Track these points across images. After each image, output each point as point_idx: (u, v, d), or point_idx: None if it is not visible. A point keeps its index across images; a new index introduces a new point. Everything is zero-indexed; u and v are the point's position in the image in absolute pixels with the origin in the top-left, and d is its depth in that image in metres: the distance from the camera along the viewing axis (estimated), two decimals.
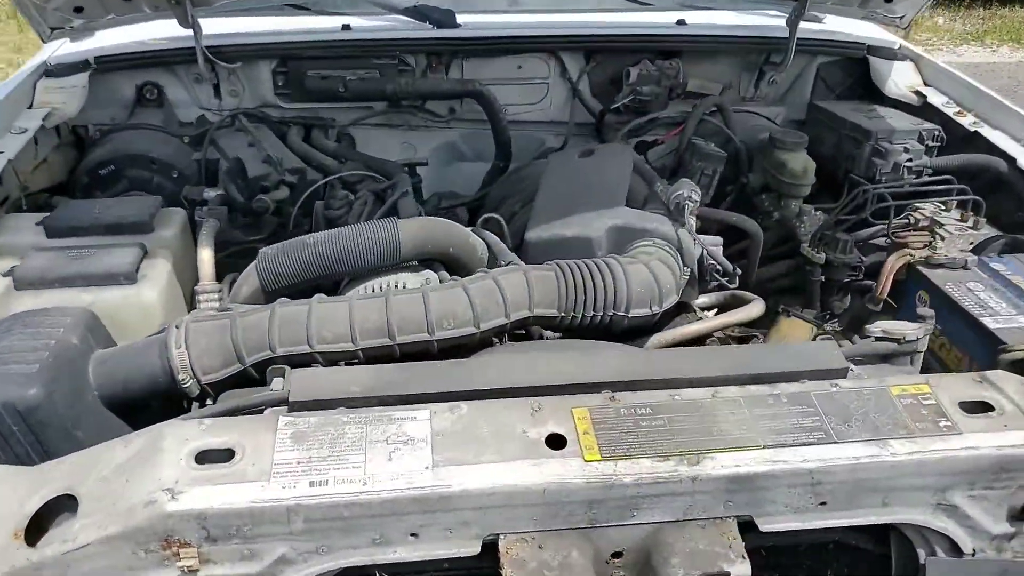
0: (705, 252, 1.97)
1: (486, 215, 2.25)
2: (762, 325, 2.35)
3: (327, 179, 2.47)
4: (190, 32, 2.46)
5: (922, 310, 1.67)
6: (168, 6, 2.39)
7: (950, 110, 2.70)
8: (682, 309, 2.09)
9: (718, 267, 1.98)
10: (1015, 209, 2.40)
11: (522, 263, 1.88)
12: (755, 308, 2.02)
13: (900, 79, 2.89)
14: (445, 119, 2.95)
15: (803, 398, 1.33)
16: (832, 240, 2.45)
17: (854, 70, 3.04)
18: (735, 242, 2.34)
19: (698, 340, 1.99)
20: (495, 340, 1.70)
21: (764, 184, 2.70)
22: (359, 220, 2.32)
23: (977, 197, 2.14)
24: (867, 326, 1.59)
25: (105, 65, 2.64)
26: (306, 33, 2.71)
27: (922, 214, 2.22)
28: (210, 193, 2.34)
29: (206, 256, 1.98)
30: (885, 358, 1.61)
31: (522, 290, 1.69)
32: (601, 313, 1.74)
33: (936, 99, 2.75)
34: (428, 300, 1.60)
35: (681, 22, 2.93)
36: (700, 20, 2.95)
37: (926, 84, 2.88)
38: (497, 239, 2.00)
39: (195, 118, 2.87)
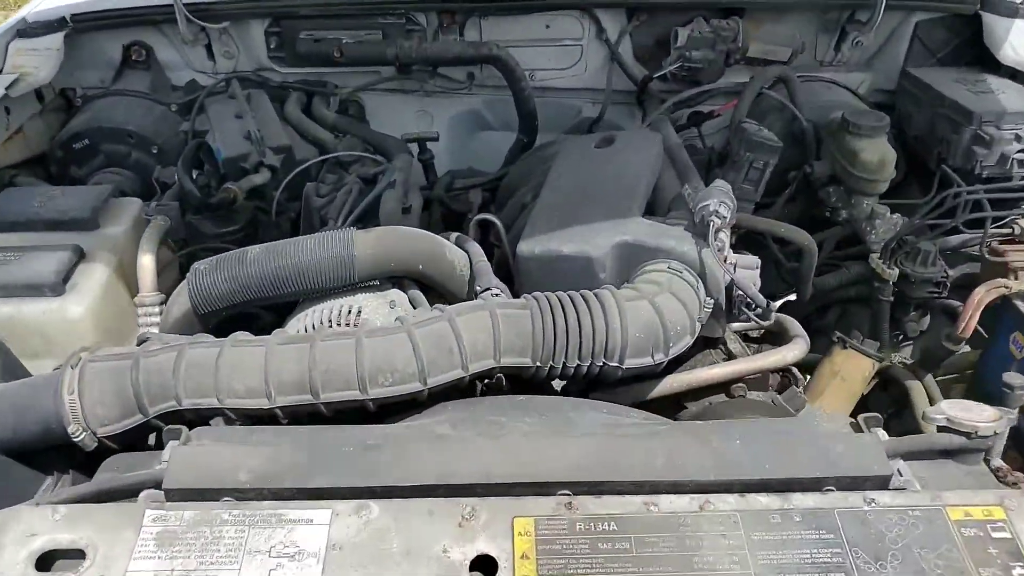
0: (734, 281, 1.57)
1: (478, 217, 1.92)
2: (814, 351, 1.95)
3: (309, 162, 2.17)
4: None
5: (1011, 377, 1.25)
6: None
7: None
8: (705, 344, 1.72)
9: (748, 300, 1.59)
10: None
11: (504, 290, 1.54)
12: (794, 351, 1.63)
13: (1018, 42, 2.32)
14: (464, 85, 2.58)
15: (823, 518, 0.98)
16: (911, 249, 2.00)
17: (962, 29, 2.47)
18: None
19: (718, 388, 1.63)
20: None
21: (832, 174, 2.23)
22: (340, 212, 2.02)
23: None
24: (928, 411, 1.19)
25: (84, 24, 2.39)
26: None
27: None
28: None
29: (146, 263, 1.72)
30: (948, 454, 1.21)
31: (485, 335, 1.36)
32: (588, 363, 1.40)
33: None
34: (361, 349, 1.30)
35: None
36: None
37: None
38: (480, 253, 1.66)
39: (189, 80, 2.60)
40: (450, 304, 1.68)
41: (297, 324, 1.56)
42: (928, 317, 2.14)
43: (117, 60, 2.54)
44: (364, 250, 1.54)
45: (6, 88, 2.19)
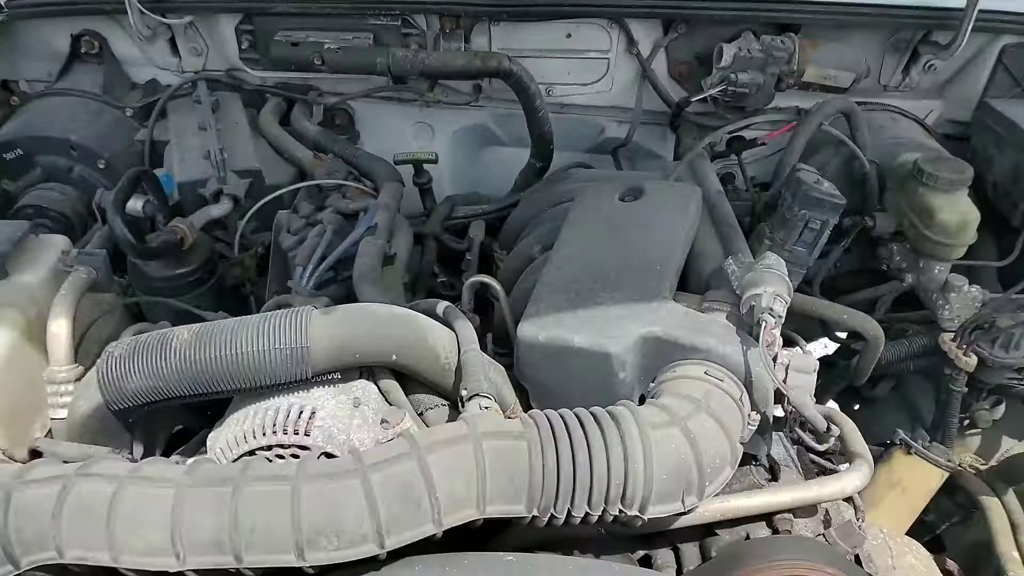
0: (787, 397, 1.23)
1: (473, 280, 1.57)
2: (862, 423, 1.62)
3: (278, 192, 1.83)
4: None
5: None
6: None
7: None
8: (744, 461, 1.39)
9: (803, 420, 1.25)
10: None
11: (491, 402, 1.20)
12: (855, 479, 1.30)
13: None
14: (469, 98, 2.22)
15: None
16: (989, 327, 1.66)
17: None
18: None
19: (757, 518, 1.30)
20: None
21: (898, 230, 1.88)
22: (309, 259, 1.69)
23: None
24: None
25: (20, 9, 2.04)
26: None
27: None
28: (136, 204, 1.75)
29: (58, 330, 1.39)
30: None
31: (466, 479, 1.03)
32: (600, 511, 1.07)
33: None
34: (298, 501, 0.97)
35: None
36: None
37: None
38: (471, 338, 1.33)
39: (149, 80, 2.26)
40: (435, 393, 1.39)
41: (231, 430, 1.24)
42: (1003, 405, 1.81)
43: (65, 51, 2.19)
44: (321, 340, 1.21)
45: None
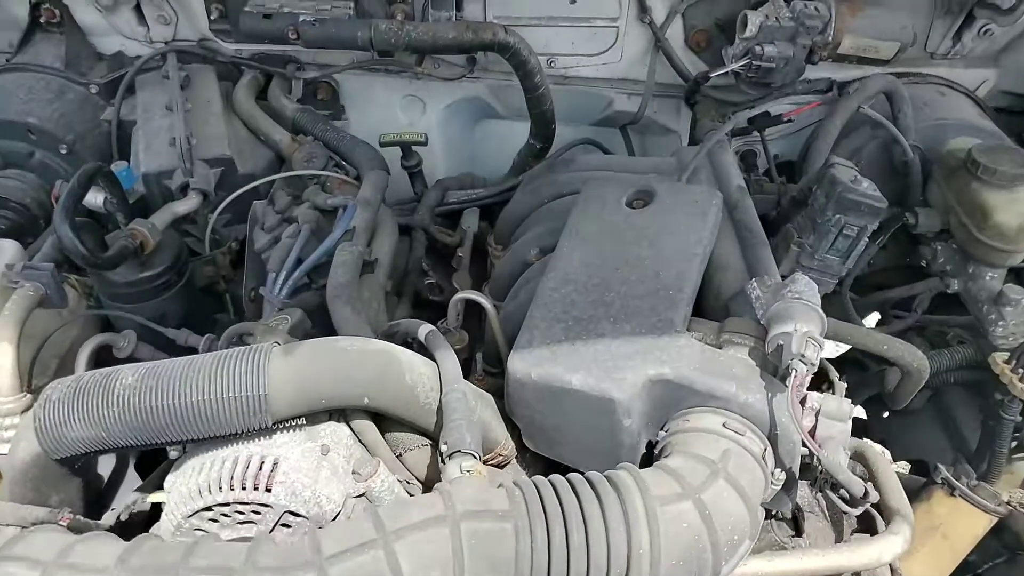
0: (817, 458, 1.07)
1: (460, 296, 1.40)
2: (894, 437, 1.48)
3: (249, 186, 1.65)
4: None
5: None
6: None
7: None
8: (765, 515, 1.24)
9: (836, 482, 1.09)
10: None
11: (474, 463, 1.05)
12: (894, 545, 1.14)
13: None
14: (463, 71, 2.00)
15: None
16: None
17: None
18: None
19: None
20: None
21: (944, 228, 1.68)
22: (282, 264, 1.52)
23: None
24: None
25: None
26: None
27: None
28: (95, 199, 1.58)
29: (1, 359, 1.24)
30: None
31: (441, 570, 0.88)
32: None
33: None
34: None
35: None
36: None
37: None
38: (455, 376, 1.16)
39: (117, 50, 2.06)
40: (415, 431, 1.24)
41: (189, 479, 1.09)
42: None
43: (23, 20, 1.99)
44: (282, 386, 1.05)
45: None
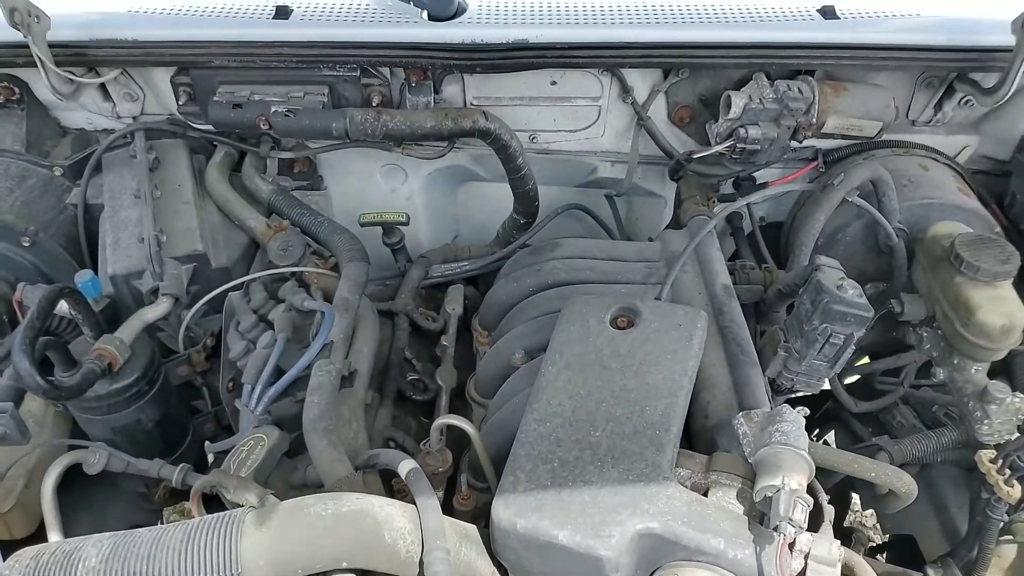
0: None
1: (440, 422, 1.36)
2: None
3: (218, 290, 1.61)
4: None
5: None
6: None
7: None
8: None
9: None
10: None
11: None
12: None
13: None
14: (442, 150, 1.94)
15: None
16: None
17: None
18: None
19: None
20: None
21: (930, 316, 1.66)
22: (257, 376, 1.48)
23: None
24: None
25: None
26: (215, 22, 1.71)
27: None
28: (61, 307, 1.52)
29: None
30: None
31: None
32: None
33: None
34: None
35: (828, 12, 1.76)
36: (861, 3, 1.78)
37: None
38: (435, 524, 1.13)
39: (83, 125, 1.99)
40: None
41: None
42: None
43: None
44: (255, 562, 1.02)
45: None
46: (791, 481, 1.07)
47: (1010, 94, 1.66)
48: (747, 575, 1.07)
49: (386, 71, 1.76)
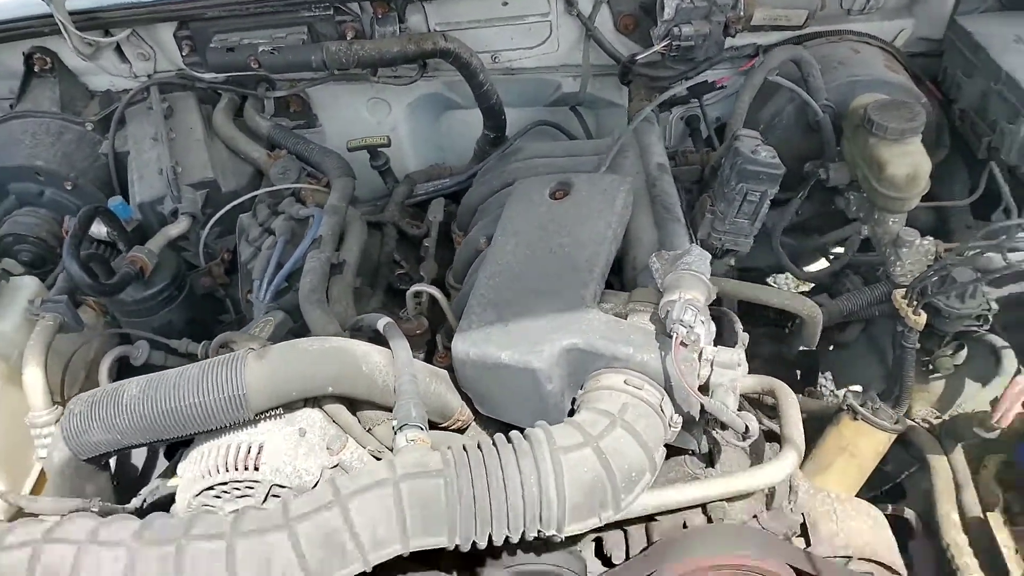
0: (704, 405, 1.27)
1: (414, 289, 1.62)
2: (820, 425, 1.66)
3: (229, 205, 1.87)
4: None
5: None
6: None
7: None
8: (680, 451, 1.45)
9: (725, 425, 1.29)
10: None
11: (418, 432, 1.27)
12: (783, 467, 1.35)
13: None
14: (414, 76, 2.18)
15: None
16: (945, 278, 1.64)
17: None
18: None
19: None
20: None
21: (853, 179, 1.84)
22: (264, 272, 1.75)
23: None
24: None
25: None
26: None
27: None
28: (100, 229, 1.82)
29: (31, 379, 1.50)
30: None
31: (387, 520, 1.12)
32: (520, 533, 1.16)
33: None
34: (234, 558, 1.07)
35: None
36: None
37: None
38: (406, 360, 1.38)
39: (107, 87, 2.28)
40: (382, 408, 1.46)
41: (195, 465, 1.34)
42: (964, 350, 1.81)
43: (19, 70, 2.21)
44: (257, 385, 1.28)
45: None
46: (686, 294, 1.28)
47: None
48: (654, 375, 1.29)
49: (355, 7, 1.99)
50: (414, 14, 2.03)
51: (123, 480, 1.54)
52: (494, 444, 1.20)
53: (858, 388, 1.80)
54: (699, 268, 1.33)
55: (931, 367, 1.83)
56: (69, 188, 2.07)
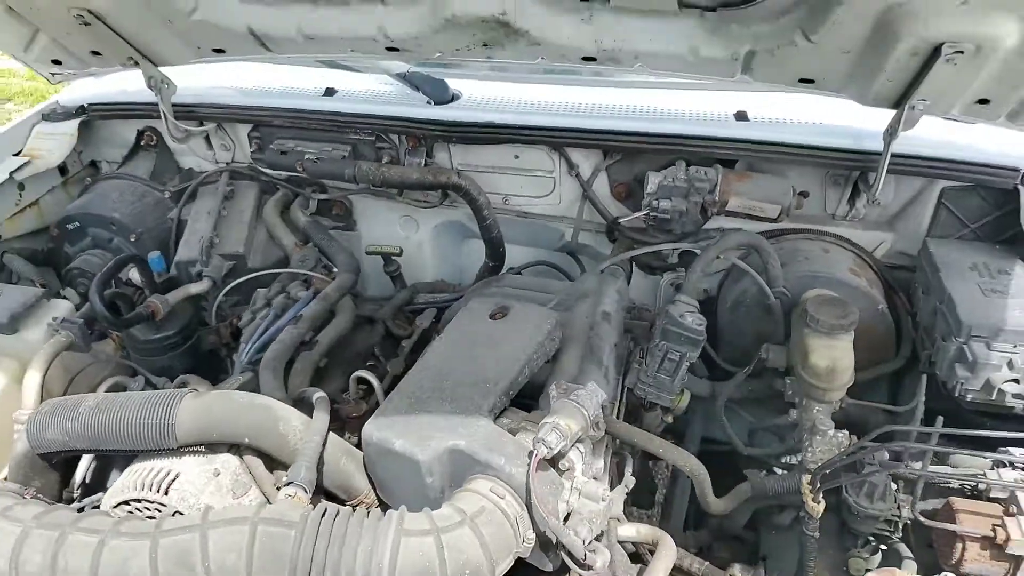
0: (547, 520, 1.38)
1: (355, 374, 1.83)
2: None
3: (242, 279, 2.18)
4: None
5: None
6: (128, 66, 2.21)
7: None
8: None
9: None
10: None
11: (297, 490, 1.45)
12: None
13: None
14: (435, 203, 2.50)
15: None
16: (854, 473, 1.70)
17: (1004, 200, 2.08)
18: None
19: None
20: None
21: (790, 365, 1.95)
22: (250, 336, 2.02)
23: None
24: None
25: (97, 113, 2.56)
26: (280, 96, 2.40)
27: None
28: (135, 276, 2.17)
29: (28, 381, 1.79)
30: None
31: (236, 555, 1.28)
32: None
33: None
34: (101, 552, 1.26)
35: (741, 115, 2.18)
36: (773, 112, 2.18)
37: None
38: (319, 429, 1.58)
39: (192, 166, 2.72)
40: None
41: (122, 479, 1.56)
42: (879, 556, 1.81)
43: (131, 141, 2.69)
44: (185, 418, 1.51)
45: (11, 172, 2.39)
46: (560, 421, 1.42)
47: (878, 190, 1.97)
48: (517, 487, 1.42)
49: (394, 138, 2.35)
50: (441, 151, 2.37)
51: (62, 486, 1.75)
52: (355, 514, 1.35)
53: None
54: (583, 402, 1.48)
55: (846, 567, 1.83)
56: (133, 240, 2.46)
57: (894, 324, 2.09)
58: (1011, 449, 1.65)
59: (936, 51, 1.60)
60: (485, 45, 1.88)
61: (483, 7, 1.75)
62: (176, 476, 1.53)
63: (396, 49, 1.93)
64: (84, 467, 1.72)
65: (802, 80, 1.86)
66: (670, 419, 2.00)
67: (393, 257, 2.42)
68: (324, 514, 1.34)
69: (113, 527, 1.31)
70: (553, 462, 1.47)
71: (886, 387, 2.20)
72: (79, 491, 1.67)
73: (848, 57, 1.75)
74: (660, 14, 1.77)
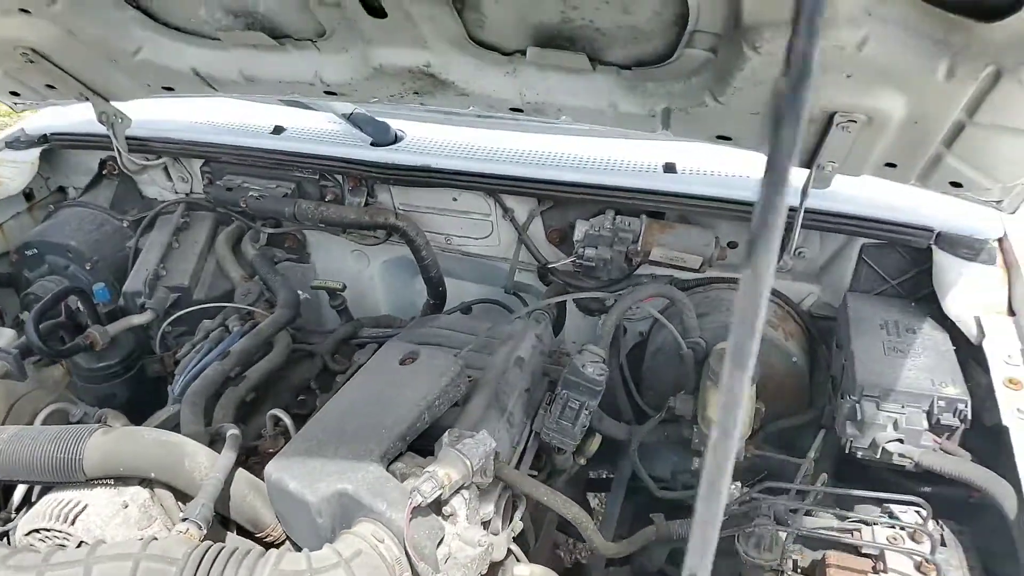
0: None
1: (272, 412, 1.90)
2: None
3: (183, 311, 2.27)
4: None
5: None
6: (82, 100, 2.31)
7: (1013, 370, 1.76)
8: None
9: None
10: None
11: (189, 527, 1.52)
12: None
13: (968, 293, 1.95)
14: (379, 240, 2.58)
15: None
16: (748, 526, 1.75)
17: (921, 259, 2.13)
18: None
19: None
20: None
21: (696, 414, 2.00)
22: (186, 367, 2.10)
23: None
24: None
25: (59, 142, 2.67)
26: (230, 133, 2.49)
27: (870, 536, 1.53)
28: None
29: None
30: None
31: None
32: None
33: (998, 346, 1.81)
34: None
35: (669, 167, 2.24)
36: (702, 163, 2.25)
37: (1011, 312, 1.92)
38: (222, 467, 1.65)
39: (154, 196, 2.83)
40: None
41: (35, 508, 1.64)
42: None
43: (95, 169, 2.80)
44: (93, 451, 1.59)
45: None
46: (441, 470, 1.49)
47: (793, 246, 2.02)
48: (397, 532, 1.49)
49: (338, 177, 2.44)
50: (382, 192, 2.45)
51: None
52: (238, 552, 1.42)
53: None
54: (468, 451, 1.55)
55: None
56: (88, 268, 2.55)
57: (809, 377, 2.14)
58: (892, 507, 1.69)
59: (830, 119, 1.67)
60: (416, 93, 1.96)
61: (408, 59, 1.83)
62: (84, 507, 1.60)
63: (334, 93, 2.02)
64: (21, 492, 1.81)
65: (719, 137, 1.93)
66: (583, 461, 2.06)
67: (337, 292, 2.50)
68: (207, 552, 1.41)
69: (3, 557, 1.39)
70: (437, 508, 1.54)
71: (811, 437, 2.24)
72: (17, 515, 1.75)
73: (757, 118, 1.82)
74: (578, 71, 1.85)
